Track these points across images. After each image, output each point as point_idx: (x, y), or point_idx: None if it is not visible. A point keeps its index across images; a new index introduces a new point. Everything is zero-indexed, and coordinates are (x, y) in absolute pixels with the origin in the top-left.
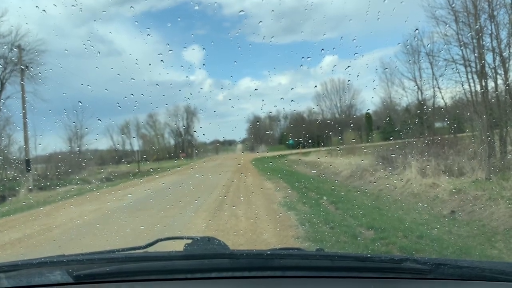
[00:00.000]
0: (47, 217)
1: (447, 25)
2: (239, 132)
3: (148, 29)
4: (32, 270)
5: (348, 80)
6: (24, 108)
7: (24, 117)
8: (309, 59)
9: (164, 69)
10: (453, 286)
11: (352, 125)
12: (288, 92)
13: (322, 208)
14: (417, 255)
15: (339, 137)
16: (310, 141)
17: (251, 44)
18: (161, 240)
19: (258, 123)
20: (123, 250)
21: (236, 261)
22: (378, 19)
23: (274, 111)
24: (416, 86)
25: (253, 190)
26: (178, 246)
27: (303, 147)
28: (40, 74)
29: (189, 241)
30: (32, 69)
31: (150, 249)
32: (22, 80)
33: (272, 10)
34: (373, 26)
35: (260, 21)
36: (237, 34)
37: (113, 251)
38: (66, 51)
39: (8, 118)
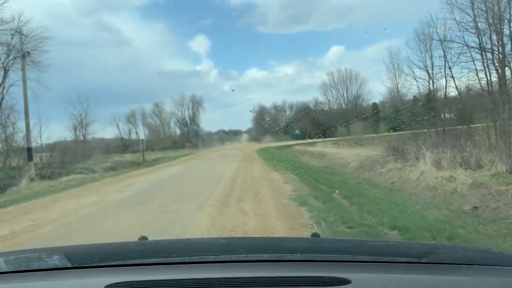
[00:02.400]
0: (42, 210)
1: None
2: (244, 122)
3: (155, 19)
4: (30, 255)
5: (355, 70)
6: (25, 95)
7: (26, 104)
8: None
9: (171, 59)
10: (446, 270)
11: (358, 115)
12: (294, 83)
13: (335, 203)
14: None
15: (346, 128)
16: (316, 131)
17: (257, 34)
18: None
19: (263, 113)
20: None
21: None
22: (386, 9)
23: (280, 101)
24: (428, 75)
25: (261, 182)
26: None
27: (309, 137)
28: (43, 62)
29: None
30: (35, 56)
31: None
32: (22, 67)
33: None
34: (381, 16)
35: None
36: (244, 24)
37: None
38: (73, 40)
39: (12, 106)
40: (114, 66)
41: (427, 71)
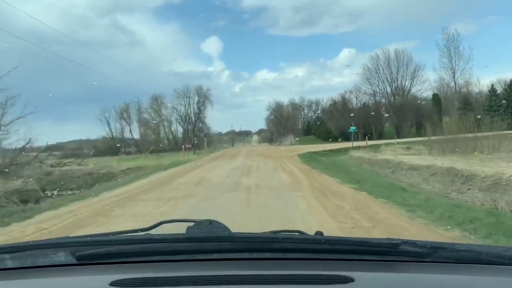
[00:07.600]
0: None
1: None
2: (256, 123)
3: (168, 20)
4: (36, 251)
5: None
6: None
7: None
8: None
9: (183, 60)
10: (450, 269)
11: (422, 109)
12: (304, 84)
13: None
14: (415, 239)
15: (399, 125)
16: (366, 131)
17: (269, 36)
18: (164, 222)
19: (280, 110)
20: (126, 232)
21: (236, 243)
22: (397, 11)
23: (298, 99)
24: None
25: None
26: (181, 229)
27: (359, 139)
28: None
29: (191, 223)
30: None
31: (153, 232)
32: None
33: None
34: (392, 19)
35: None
36: (256, 26)
37: (116, 233)
38: (88, 40)
39: None
40: (126, 66)
41: None
